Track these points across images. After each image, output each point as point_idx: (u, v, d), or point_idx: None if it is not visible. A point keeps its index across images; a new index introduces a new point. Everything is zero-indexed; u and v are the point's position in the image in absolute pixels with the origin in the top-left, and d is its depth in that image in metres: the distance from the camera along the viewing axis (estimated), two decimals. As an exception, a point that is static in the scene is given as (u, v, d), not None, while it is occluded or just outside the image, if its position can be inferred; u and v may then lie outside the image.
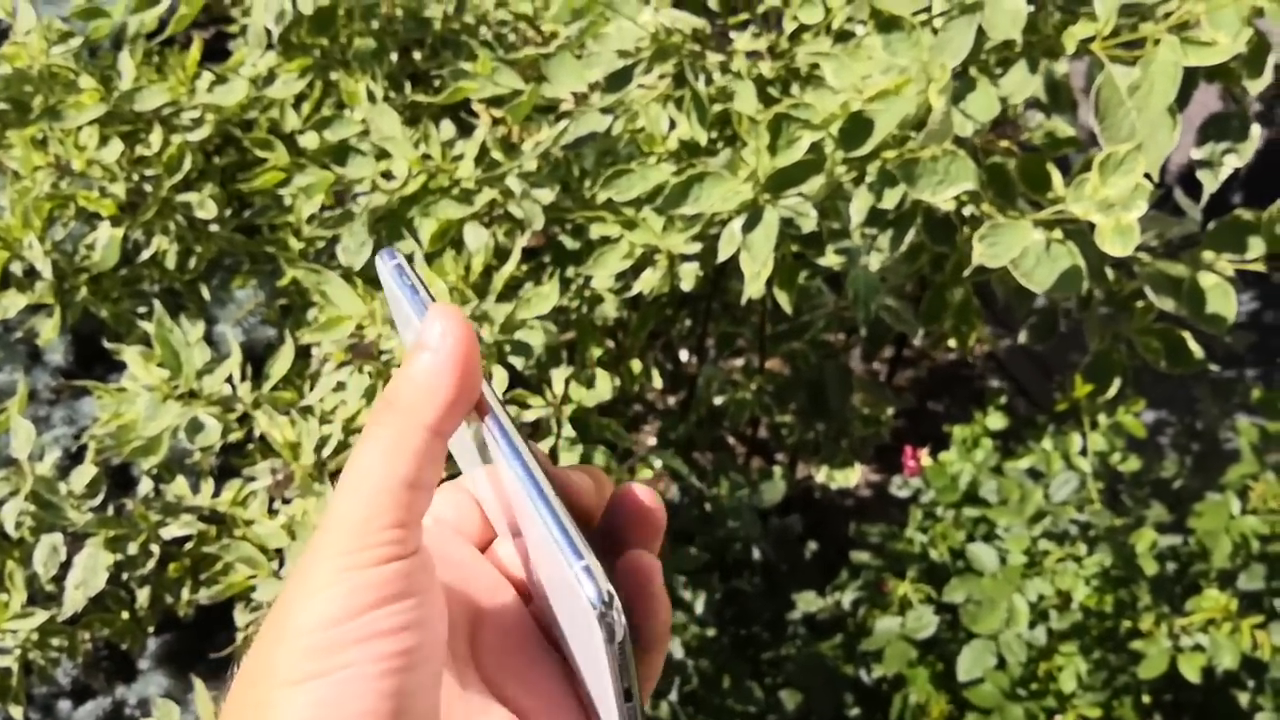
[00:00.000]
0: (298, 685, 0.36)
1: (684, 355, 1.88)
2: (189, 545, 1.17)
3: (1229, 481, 1.31)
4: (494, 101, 1.33)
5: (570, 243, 1.48)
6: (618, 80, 1.13)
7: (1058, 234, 0.98)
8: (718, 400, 1.67)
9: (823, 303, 1.65)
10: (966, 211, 1.13)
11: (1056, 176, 1.09)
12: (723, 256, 1.09)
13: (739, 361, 2.01)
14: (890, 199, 1.01)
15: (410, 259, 0.45)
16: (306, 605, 0.36)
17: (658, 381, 1.63)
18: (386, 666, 0.36)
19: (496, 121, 1.51)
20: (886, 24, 0.96)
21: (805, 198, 1.04)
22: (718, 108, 1.15)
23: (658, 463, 1.46)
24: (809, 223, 1.04)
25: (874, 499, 2.19)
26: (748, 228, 1.04)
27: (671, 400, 2.00)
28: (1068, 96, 1.16)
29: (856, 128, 1.00)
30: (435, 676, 0.37)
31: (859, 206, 1.06)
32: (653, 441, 2.06)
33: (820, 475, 1.69)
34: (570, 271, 1.48)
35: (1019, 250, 0.92)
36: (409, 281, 0.42)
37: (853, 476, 1.67)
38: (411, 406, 0.37)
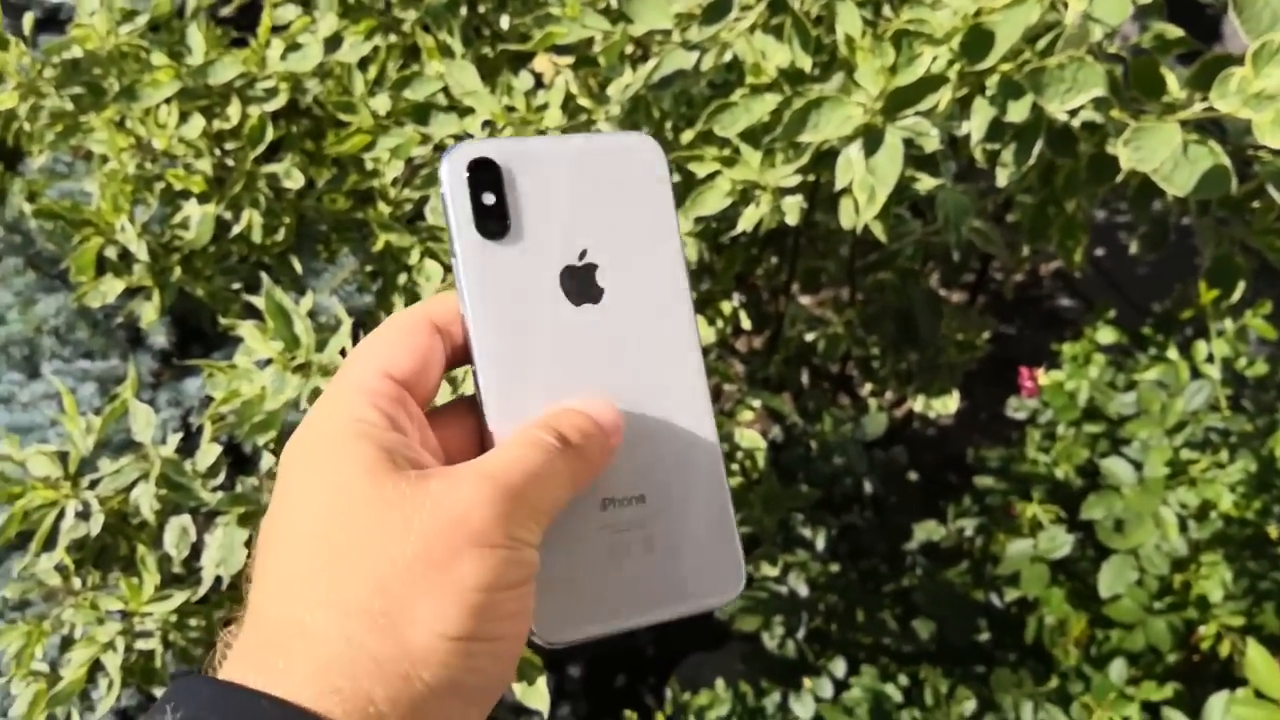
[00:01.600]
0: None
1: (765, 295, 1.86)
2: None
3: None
4: (560, 50, 1.31)
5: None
6: (716, 11, 1.10)
7: (1193, 135, 0.95)
8: (809, 337, 1.65)
9: (909, 230, 1.62)
10: (1083, 120, 1.10)
11: (1171, 79, 1.06)
12: (840, 184, 1.06)
13: (817, 298, 1.99)
14: (1017, 111, 0.98)
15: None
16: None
17: (746, 322, 1.61)
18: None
19: (558, 72, 1.48)
20: (1009, -72, 0.93)
21: (924, 116, 1.01)
22: (818, 33, 1.12)
23: (756, 402, 1.44)
24: (931, 142, 1.01)
25: (957, 426, 2.17)
26: (869, 151, 1.01)
27: (756, 341, 1.98)
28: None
29: (977, 40, 0.96)
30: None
31: (979, 122, 1.03)
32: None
33: (917, 405, 1.66)
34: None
35: (1167, 152, 0.89)
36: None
37: (951, 404, 1.65)
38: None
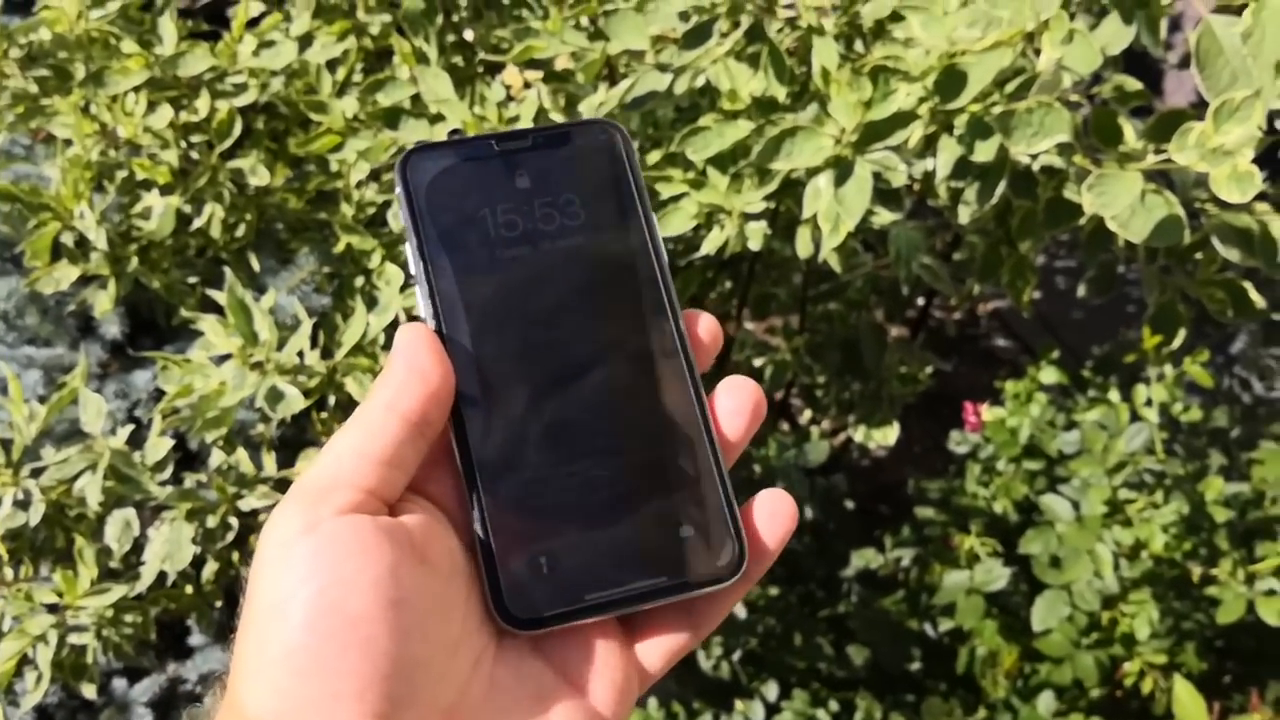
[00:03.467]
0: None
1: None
2: (263, 517, 1.15)
3: (1282, 429, 1.34)
4: (531, 64, 1.32)
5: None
6: (696, 36, 1.12)
7: (1150, 185, 0.99)
8: (757, 362, 1.67)
9: (860, 262, 1.66)
10: (1042, 164, 1.14)
11: (1129, 129, 1.10)
12: (807, 213, 1.09)
13: (765, 325, 2.01)
14: (983, 151, 1.01)
15: (406, 173, 0.45)
16: (259, 584, 0.37)
17: (696, 345, 1.63)
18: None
19: (528, 84, 1.49)
20: (987, -25, 0.96)
21: (893, 151, 1.04)
22: (791, 64, 1.14)
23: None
24: (898, 176, 1.04)
25: (891, 457, 2.21)
26: (839, 182, 1.03)
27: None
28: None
29: (951, 80, 0.99)
30: (430, 636, 0.37)
31: (945, 159, 1.06)
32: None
33: (858, 435, 1.69)
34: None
35: (1128, 200, 0.93)
36: (405, 201, 0.44)
37: (891, 435, 1.67)
38: (376, 391, 0.40)
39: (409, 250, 0.44)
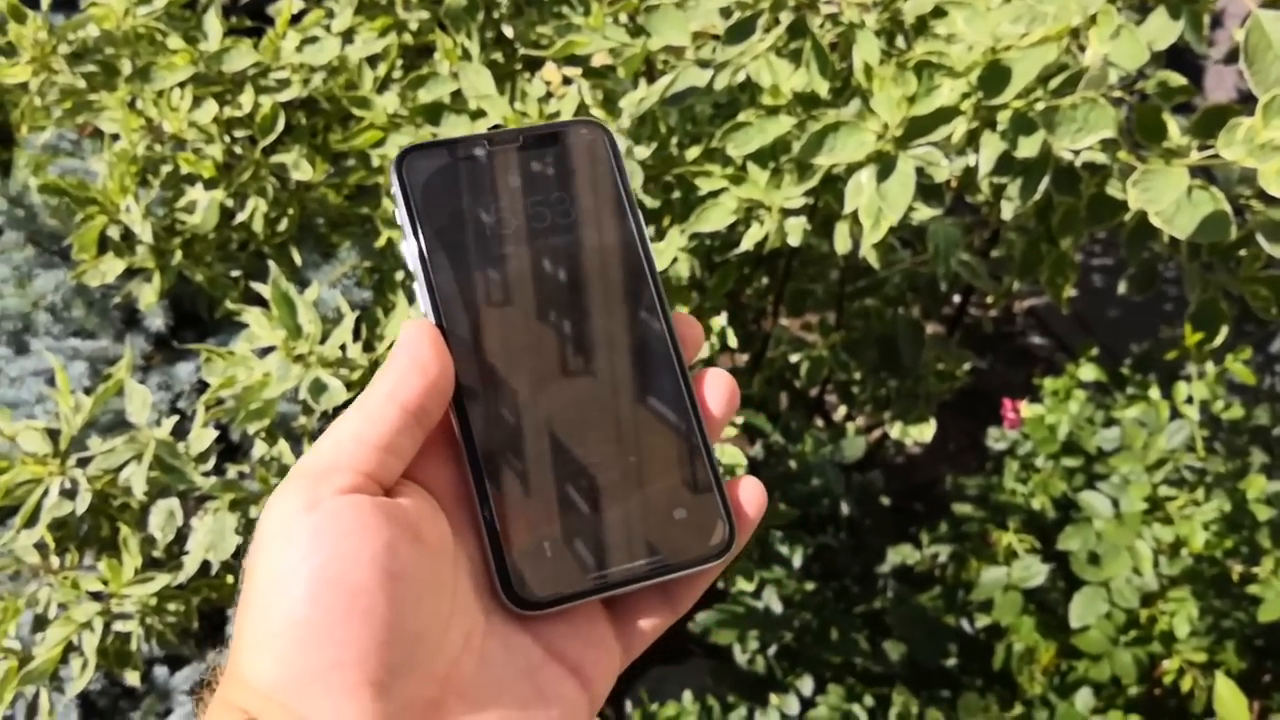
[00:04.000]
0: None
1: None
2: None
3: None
4: (570, 60, 1.32)
5: (651, 202, 1.47)
6: (739, 32, 1.12)
7: (1196, 180, 0.98)
8: (793, 358, 1.67)
9: (898, 259, 1.66)
10: (1084, 160, 1.13)
11: (1173, 125, 1.09)
12: (849, 208, 1.09)
13: (801, 321, 2.01)
14: (1027, 147, 1.01)
15: (403, 173, 0.46)
16: (260, 560, 0.38)
17: (733, 341, 1.63)
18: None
19: (567, 81, 1.50)
20: (1032, -30, 0.96)
21: (936, 146, 1.04)
22: (833, 59, 1.14)
23: (739, 419, 1.46)
24: (941, 172, 1.04)
25: (926, 455, 2.20)
26: (881, 177, 1.03)
27: (740, 360, 2.00)
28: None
29: (995, 75, 0.99)
30: (425, 609, 0.39)
31: (989, 155, 1.06)
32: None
33: (894, 431, 1.69)
34: (650, 230, 1.48)
35: (1174, 195, 0.92)
36: (402, 201, 0.45)
37: (928, 432, 1.67)
38: (377, 381, 0.42)
39: (406, 249, 0.45)
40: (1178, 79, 1.18)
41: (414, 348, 0.42)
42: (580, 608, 0.44)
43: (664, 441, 0.45)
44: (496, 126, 1.29)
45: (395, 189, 0.46)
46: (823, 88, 1.12)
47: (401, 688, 0.37)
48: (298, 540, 0.38)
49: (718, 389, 0.47)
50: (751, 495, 0.46)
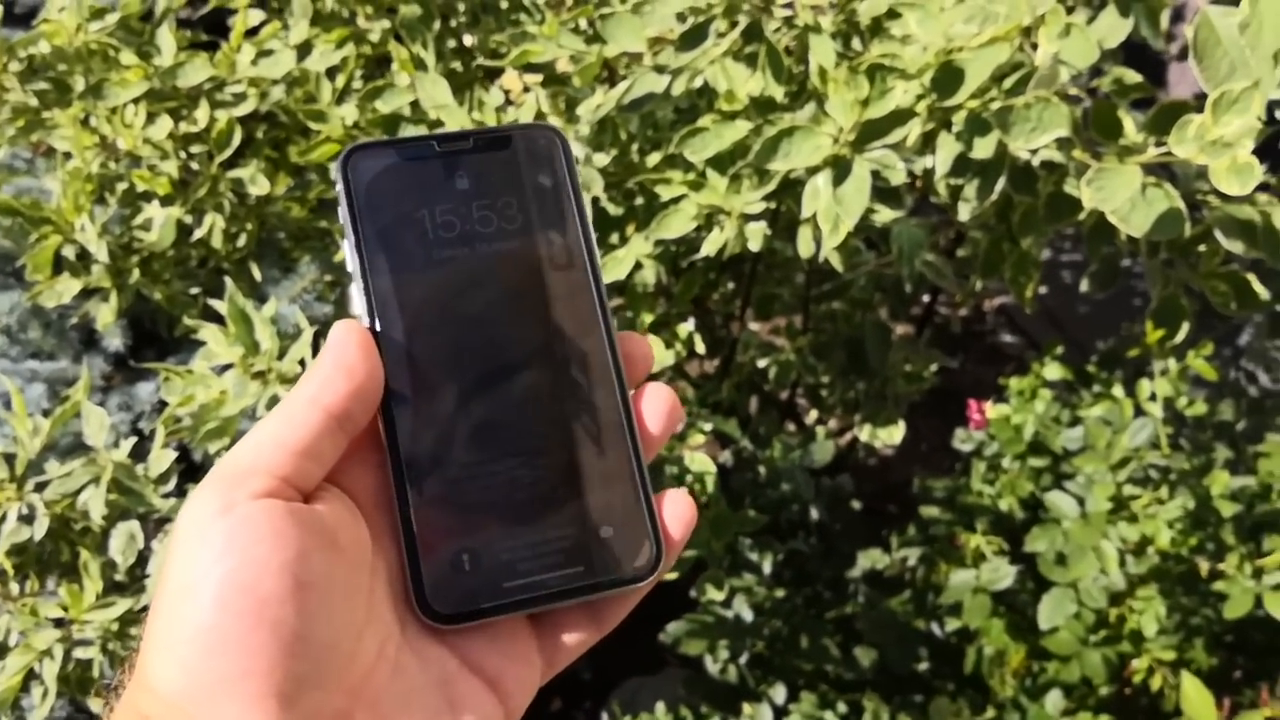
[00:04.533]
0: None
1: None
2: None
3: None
4: (530, 67, 1.32)
5: (613, 208, 1.47)
6: (693, 38, 1.12)
7: (1150, 178, 0.98)
8: (761, 363, 1.66)
9: (863, 261, 1.65)
10: (1043, 159, 1.13)
11: (1129, 122, 1.10)
12: (806, 213, 1.08)
13: (769, 325, 2.01)
14: (982, 148, 1.01)
15: (347, 171, 0.45)
16: (173, 560, 0.38)
17: (701, 347, 1.62)
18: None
19: (527, 89, 1.49)
20: (982, -30, 0.96)
21: (891, 149, 1.04)
22: (789, 63, 1.14)
23: (707, 426, 1.45)
24: (897, 174, 1.04)
25: (898, 456, 2.20)
26: (837, 181, 1.03)
27: (708, 365, 2.00)
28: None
29: (948, 77, 0.99)
30: (336, 619, 0.38)
31: (944, 156, 1.06)
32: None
33: (863, 434, 1.69)
34: (614, 237, 1.47)
35: (1127, 194, 0.92)
36: (344, 199, 0.44)
37: (897, 434, 1.67)
38: (300, 383, 0.41)
39: (347, 247, 0.44)
40: (1133, 76, 1.18)
41: (341, 350, 0.42)
42: (507, 628, 0.43)
43: (595, 457, 0.44)
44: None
45: (339, 187, 0.45)
46: (778, 92, 1.11)
47: (309, 699, 0.37)
48: (210, 544, 0.37)
49: (656, 405, 0.46)
50: (678, 512, 0.45)
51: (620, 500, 0.44)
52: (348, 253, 0.44)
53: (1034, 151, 1.13)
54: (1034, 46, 0.97)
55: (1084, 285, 1.32)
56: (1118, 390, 1.27)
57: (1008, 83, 1.03)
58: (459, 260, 0.45)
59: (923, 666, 1.38)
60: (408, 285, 0.44)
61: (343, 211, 0.45)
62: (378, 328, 0.43)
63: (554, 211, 0.47)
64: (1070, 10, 1.02)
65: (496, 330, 0.45)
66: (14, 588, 1.18)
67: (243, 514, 0.37)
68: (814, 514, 1.50)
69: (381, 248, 0.44)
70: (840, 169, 1.03)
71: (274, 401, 1.08)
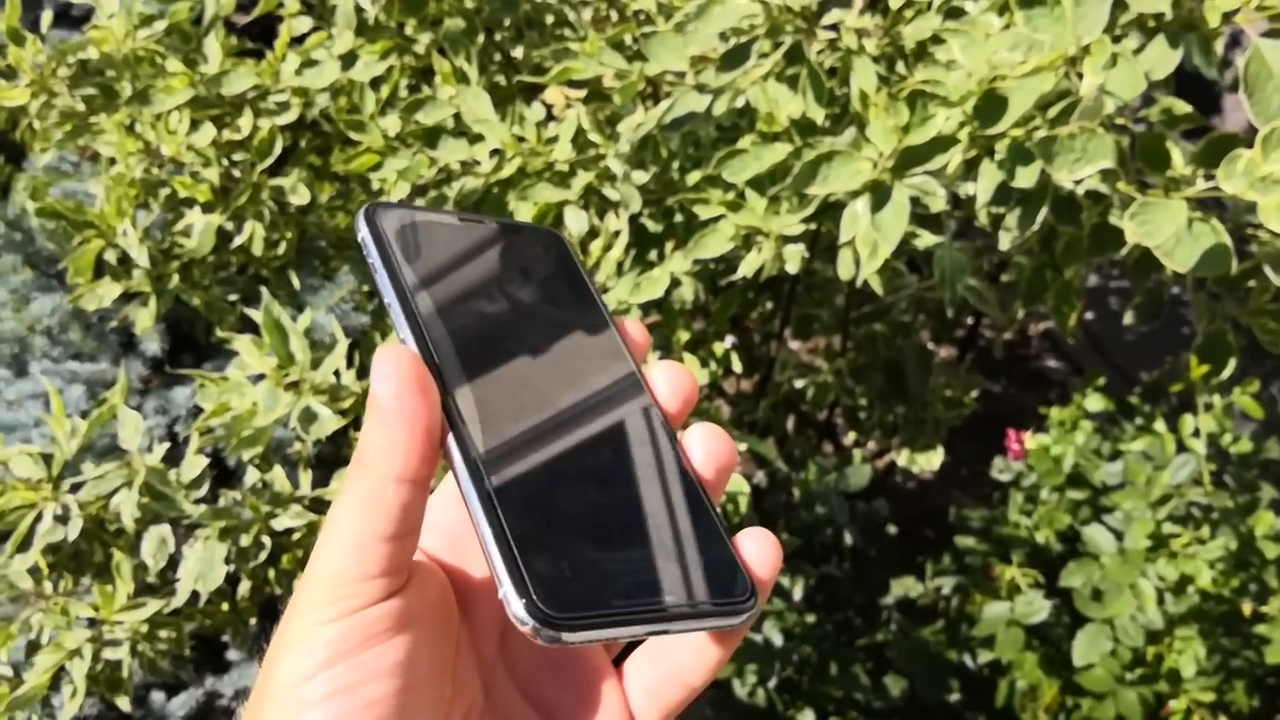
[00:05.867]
0: None
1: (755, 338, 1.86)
2: (297, 536, 1.15)
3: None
4: (573, 83, 1.31)
5: (653, 225, 1.46)
6: (734, 58, 1.11)
7: (1197, 212, 0.96)
8: (799, 384, 1.65)
9: (905, 284, 1.64)
10: (1087, 189, 1.11)
11: (1177, 154, 1.07)
12: (844, 238, 1.07)
13: (809, 345, 1.99)
14: (1025, 177, 0.99)
15: (375, 223, 0.45)
16: (279, 663, 0.37)
17: (738, 366, 1.61)
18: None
19: (568, 104, 1.49)
20: (1029, -2, 0.94)
21: (933, 176, 1.02)
22: (831, 85, 1.13)
23: (742, 446, 1.44)
24: (937, 201, 1.02)
25: (937, 480, 2.18)
26: (876, 207, 1.02)
27: (744, 384, 1.99)
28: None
29: (991, 105, 0.98)
30: (430, 707, 0.38)
31: (986, 185, 1.04)
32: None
33: (901, 459, 1.67)
34: (651, 254, 1.46)
35: (1172, 229, 0.90)
36: (375, 255, 0.44)
37: (935, 460, 1.65)
38: (378, 461, 0.38)
39: (380, 282, 0.44)
40: (1182, 106, 1.16)
41: (407, 408, 0.39)
42: (588, 678, 0.42)
43: (670, 494, 0.44)
44: (496, 151, 1.28)
45: (364, 234, 0.45)
46: (819, 115, 1.10)
47: None
48: (316, 651, 0.37)
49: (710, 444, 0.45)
50: (762, 550, 0.42)
51: (703, 532, 0.43)
52: (381, 285, 0.44)
53: (1078, 181, 1.11)
54: (1079, 75, 0.96)
55: (1127, 317, 1.30)
56: (1160, 425, 1.24)
57: (1052, 111, 1.01)
58: (497, 311, 0.45)
59: (953, 698, 1.36)
60: (451, 315, 0.44)
61: (374, 256, 0.44)
62: (432, 350, 0.42)
63: (571, 288, 0.49)
64: (1119, 39, 1.00)
65: (543, 377, 0.45)
66: (47, 586, 1.20)
67: (350, 624, 0.37)
68: (848, 538, 1.48)
69: (420, 281, 0.44)
70: (879, 195, 1.02)
71: (306, 413, 1.08)
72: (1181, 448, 1.22)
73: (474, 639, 0.41)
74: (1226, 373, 1.21)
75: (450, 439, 0.41)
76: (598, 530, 0.42)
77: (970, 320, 1.98)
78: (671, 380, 0.46)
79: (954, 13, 1.17)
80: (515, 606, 0.38)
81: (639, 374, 0.46)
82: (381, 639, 0.37)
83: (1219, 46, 1.14)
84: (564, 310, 0.47)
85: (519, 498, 0.41)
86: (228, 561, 1.12)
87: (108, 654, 1.15)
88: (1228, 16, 0.94)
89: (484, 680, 0.41)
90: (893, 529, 1.66)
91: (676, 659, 0.42)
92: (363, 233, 0.45)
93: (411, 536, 0.39)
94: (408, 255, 0.45)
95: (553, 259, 0.49)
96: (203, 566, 1.09)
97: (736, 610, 0.41)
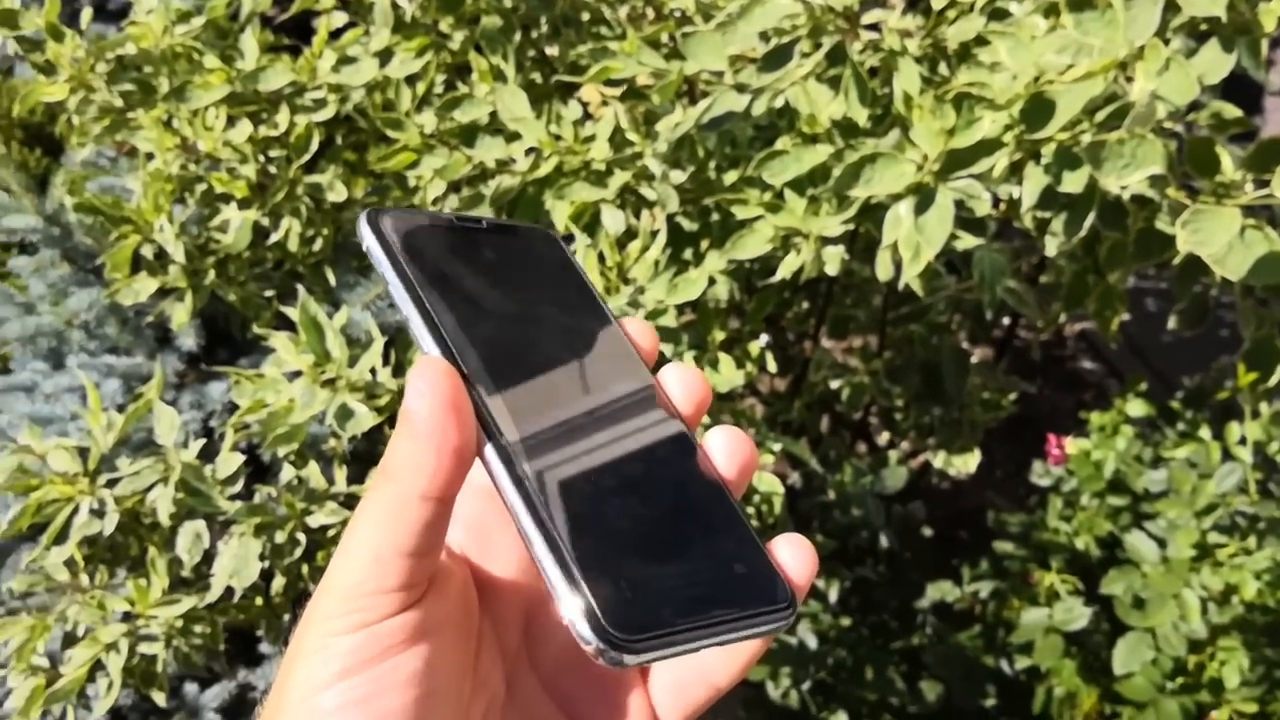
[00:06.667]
0: None
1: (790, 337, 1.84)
2: (332, 533, 1.15)
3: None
4: (610, 81, 1.30)
5: (688, 225, 1.45)
6: (776, 58, 1.09)
7: (1249, 220, 0.94)
8: (834, 384, 1.64)
9: (943, 285, 1.62)
10: (1133, 193, 1.10)
11: (1226, 159, 1.05)
12: (887, 241, 1.06)
13: (844, 344, 1.98)
14: (1072, 182, 0.98)
15: (379, 228, 0.44)
16: (295, 671, 0.37)
17: (772, 365, 1.60)
18: None
19: (605, 102, 1.48)
20: (1079, 2, 0.92)
21: (978, 179, 1.01)
22: (873, 86, 1.11)
23: (776, 446, 1.43)
24: (982, 205, 1.01)
25: (972, 481, 2.16)
26: (920, 210, 1.00)
27: (779, 383, 1.97)
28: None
29: (1038, 109, 0.96)
30: (449, 710, 0.38)
31: (1031, 189, 1.02)
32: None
33: (937, 461, 1.65)
34: (686, 253, 1.45)
35: (1226, 238, 0.88)
36: (386, 264, 0.43)
37: (972, 462, 1.63)
38: (405, 477, 0.37)
39: (395, 292, 0.43)
40: (1232, 110, 1.14)
41: (436, 423, 0.37)
42: (610, 675, 0.42)
43: (704, 502, 0.43)
44: (532, 149, 1.27)
45: (369, 241, 0.44)
46: (861, 116, 1.09)
47: None
48: (332, 661, 0.36)
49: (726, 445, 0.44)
50: (798, 554, 0.42)
51: (739, 540, 0.42)
52: (398, 296, 0.43)
53: (1124, 186, 1.09)
54: (1129, 78, 0.94)
55: (1171, 322, 1.28)
56: (1204, 432, 1.22)
57: (1100, 115, 0.99)
58: (508, 303, 0.45)
59: (990, 703, 1.34)
60: (472, 321, 0.43)
61: (383, 262, 0.43)
62: (457, 357, 0.41)
63: (575, 291, 0.48)
64: (1167, 42, 0.98)
65: (564, 372, 0.44)
66: (83, 579, 1.20)
67: (367, 635, 0.37)
68: (883, 541, 1.47)
69: (436, 289, 0.43)
70: (924, 198, 1.01)
71: (342, 410, 1.08)
72: (1227, 455, 1.20)
73: (497, 631, 0.41)
74: (1274, 380, 1.19)
75: (490, 451, 0.40)
76: (647, 546, 0.41)
77: (1007, 320, 1.96)
78: (685, 383, 0.45)
79: (998, 14, 1.15)
80: (582, 629, 0.37)
81: (653, 378, 0.46)
82: (398, 650, 0.37)
83: (1263, 47, 1.12)
84: (574, 314, 0.47)
85: (570, 516, 0.40)
86: (262, 558, 1.12)
87: (143, 648, 1.15)
88: (1284, 19, 0.92)
89: (506, 673, 0.41)
90: (927, 531, 1.65)
91: (703, 660, 0.42)
92: (367, 241, 0.44)
93: (433, 553, 0.38)
94: (417, 263, 0.44)
95: (554, 259, 0.48)
96: (237, 563, 1.09)
97: (777, 617, 0.41)
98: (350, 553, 0.38)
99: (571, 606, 0.37)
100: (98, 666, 1.16)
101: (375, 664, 0.36)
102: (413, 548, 0.37)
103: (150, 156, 1.26)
